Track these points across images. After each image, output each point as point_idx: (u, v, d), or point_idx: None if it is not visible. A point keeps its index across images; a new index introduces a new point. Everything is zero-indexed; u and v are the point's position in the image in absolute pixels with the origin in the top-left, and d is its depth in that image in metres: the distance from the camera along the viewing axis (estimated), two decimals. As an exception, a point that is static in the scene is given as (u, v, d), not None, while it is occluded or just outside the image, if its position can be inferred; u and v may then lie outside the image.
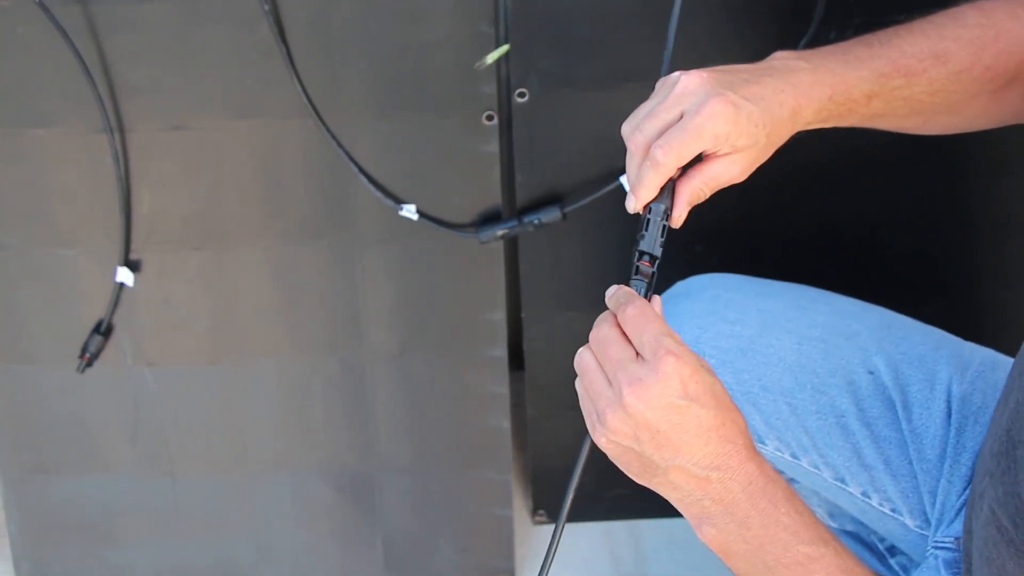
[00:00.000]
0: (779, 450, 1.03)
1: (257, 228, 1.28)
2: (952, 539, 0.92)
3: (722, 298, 1.06)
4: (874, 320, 1.03)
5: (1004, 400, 0.78)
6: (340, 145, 1.23)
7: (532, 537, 1.52)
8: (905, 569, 1.17)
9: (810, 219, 1.36)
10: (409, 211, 1.25)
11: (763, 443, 1.04)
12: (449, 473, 1.40)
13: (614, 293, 0.77)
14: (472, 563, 1.45)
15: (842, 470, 1.01)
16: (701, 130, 0.74)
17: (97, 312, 1.30)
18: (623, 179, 1.28)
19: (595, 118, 1.24)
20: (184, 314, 1.31)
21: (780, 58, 0.82)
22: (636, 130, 0.77)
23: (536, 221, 1.26)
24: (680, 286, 1.12)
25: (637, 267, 0.79)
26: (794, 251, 1.35)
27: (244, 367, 1.34)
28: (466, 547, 1.44)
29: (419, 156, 1.25)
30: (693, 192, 0.78)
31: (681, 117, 0.75)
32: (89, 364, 1.31)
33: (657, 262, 0.78)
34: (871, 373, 0.99)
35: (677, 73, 0.78)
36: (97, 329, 1.30)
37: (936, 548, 0.93)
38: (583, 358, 0.75)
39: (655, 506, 1.55)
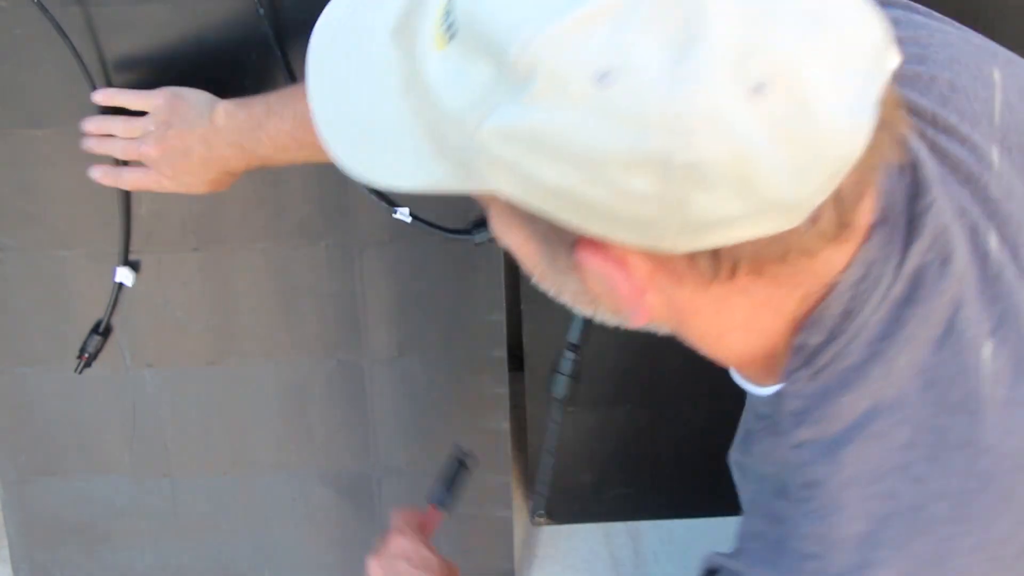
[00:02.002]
0: None
1: (256, 229, 1.28)
2: None
3: None
4: None
5: None
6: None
7: (532, 538, 1.52)
8: None
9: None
10: (403, 214, 1.25)
11: None
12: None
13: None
14: (472, 564, 1.44)
15: None
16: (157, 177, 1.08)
17: (96, 313, 1.30)
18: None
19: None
20: (183, 315, 1.31)
21: (214, 125, 1.04)
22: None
23: (534, 221, 1.26)
24: None
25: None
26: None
27: (243, 368, 1.34)
28: (466, 548, 1.43)
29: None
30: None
31: None
32: (88, 364, 1.31)
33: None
34: None
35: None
36: (96, 329, 1.30)
37: None
38: None
39: (654, 507, 1.57)
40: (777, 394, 0.64)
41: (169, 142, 1.05)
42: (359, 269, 1.29)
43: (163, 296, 1.30)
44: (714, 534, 1.51)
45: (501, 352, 1.34)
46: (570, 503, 1.53)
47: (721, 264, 0.54)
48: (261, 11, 1.16)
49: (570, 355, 1.10)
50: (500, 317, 1.32)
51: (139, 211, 1.26)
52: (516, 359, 1.39)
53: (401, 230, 1.27)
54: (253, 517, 1.41)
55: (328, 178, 1.25)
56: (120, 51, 1.19)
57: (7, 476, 1.38)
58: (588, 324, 1.10)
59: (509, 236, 0.62)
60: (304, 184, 1.26)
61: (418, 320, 1.32)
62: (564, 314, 1.39)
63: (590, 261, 0.56)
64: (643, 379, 1.46)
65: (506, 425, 1.37)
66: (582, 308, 0.65)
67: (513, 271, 1.36)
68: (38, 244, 1.27)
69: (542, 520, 1.53)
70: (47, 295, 1.29)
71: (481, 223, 1.26)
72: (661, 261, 0.55)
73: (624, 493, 1.55)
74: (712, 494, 1.53)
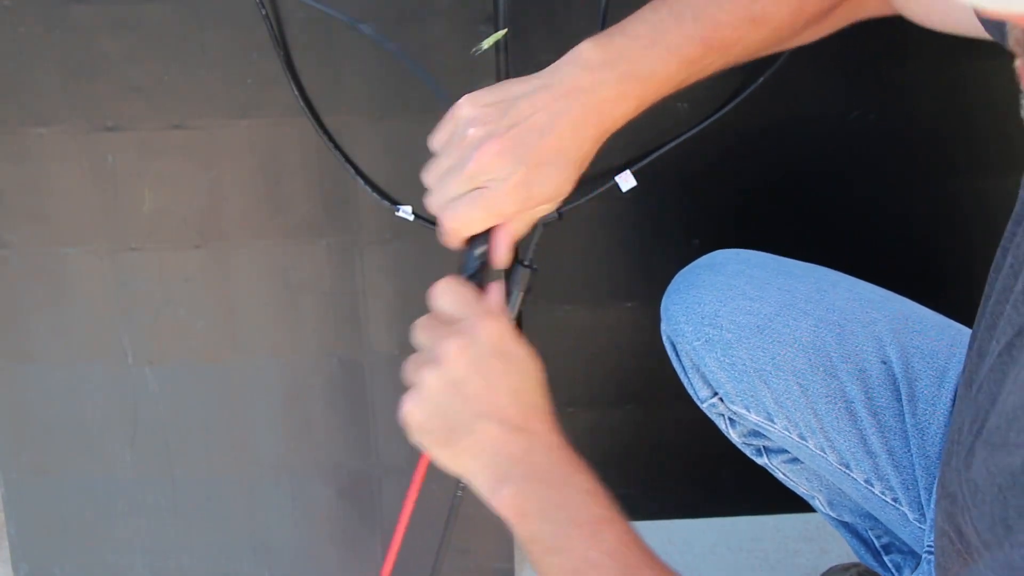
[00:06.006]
0: (787, 430, 1.03)
1: (257, 227, 1.28)
2: None
3: (744, 274, 1.06)
4: (893, 311, 1.03)
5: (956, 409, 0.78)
6: (337, 147, 1.23)
7: (532, 538, 1.52)
8: (898, 568, 1.17)
9: (806, 218, 1.36)
10: (405, 212, 1.25)
11: (772, 421, 1.04)
12: (448, 473, 1.40)
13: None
14: (472, 563, 1.44)
15: (847, 455, 1.01)
16: (494, 208, 0.75)
17: (97, 311, 1.30)
18: (618, 178, 1.29)
19: (594, 117, 1.24)
20: (184, 313, 1.31)
21: (583, 66, 0.75)
22: (434, 190, 0.78)
23: (533, 220, 1.27)
24: (704, 259, 1.12)
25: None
26: (790, 250, 1.35)
27: (244, 366, 1.34)
28: (466, 547, 1.43)
29: (419, 156, 1.25)
30: (511, 235, 0.79)
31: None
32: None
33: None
34: (884, 363, 0.99)
35: (469, 129, 0.75)
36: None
37: (929, 553, 0.93)
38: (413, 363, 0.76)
39: (654, 507, 1.56)
40: None
41: (515, 126, 0.75)
42: (360, 267, 1.29)
43: (164, 294, 1.30)
44: (714, 534, 1.51)
45: (501, 351, 1.34)
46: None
47: None
48: (263, 11, 1.16)
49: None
50: (500, 316, 1.32)
51: (141, 208, 1.26)
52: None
53: (403, 228, 1.27)
54: (254, 516, 1.41)
55: (330, 176, 1.25)
56: (120, 51, 1.20)
57: (7, 475, 1.38)
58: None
59: None
60: (306, 182, 1.26)
61: (419, 318, 1.32)
62: (562, 310, 1.39)
63: None
64: (643, 379, 1.46)
65: (506, 424, 1.37)
66: None
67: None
68: (41, 241, 1.27)
69: (542, 520, 1.53)
70: (50, 292, 1.30)
71: (482, 221, 1.27)
72: None
73: (623, 493, 1.54)
74: (712, 494, 1.54)
